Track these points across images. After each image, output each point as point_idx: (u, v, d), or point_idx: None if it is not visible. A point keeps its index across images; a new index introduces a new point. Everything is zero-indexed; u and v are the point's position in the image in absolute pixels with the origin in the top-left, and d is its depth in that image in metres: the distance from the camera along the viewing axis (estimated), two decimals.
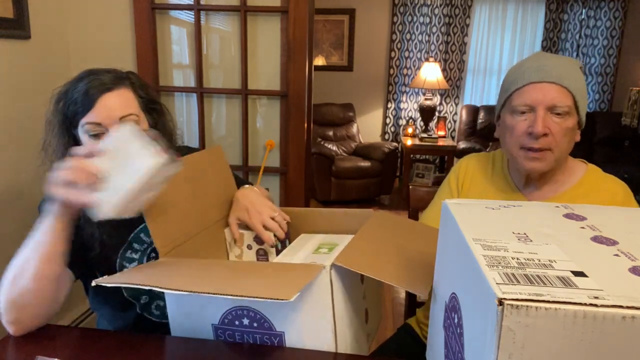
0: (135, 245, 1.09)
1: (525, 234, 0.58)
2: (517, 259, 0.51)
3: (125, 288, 1.08)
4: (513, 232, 0.58)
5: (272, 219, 1.08)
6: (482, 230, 0.58)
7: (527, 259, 0.51)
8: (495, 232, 0.58)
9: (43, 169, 1.07)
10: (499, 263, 0.49)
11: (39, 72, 1.92)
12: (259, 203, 1.11)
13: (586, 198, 1.08)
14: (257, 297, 0.69)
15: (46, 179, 0.85)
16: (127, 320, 1.12)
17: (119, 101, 1.02)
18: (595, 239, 0.57)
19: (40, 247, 0.88)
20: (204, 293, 0.71)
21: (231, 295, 0.70)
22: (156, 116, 1.13)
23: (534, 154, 1.03)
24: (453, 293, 0.60)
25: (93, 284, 0.79)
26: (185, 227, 1.00)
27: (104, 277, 0.80)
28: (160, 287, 0.73)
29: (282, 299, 0.67)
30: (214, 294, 0.70)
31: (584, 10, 4.85)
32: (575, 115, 1.03)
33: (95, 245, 1.03)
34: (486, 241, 0.55)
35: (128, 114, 1.03)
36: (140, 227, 1.10)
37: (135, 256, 1.09)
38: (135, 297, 1.09)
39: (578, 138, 1.08)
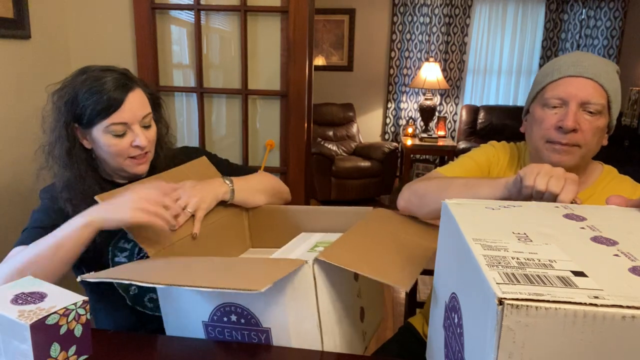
0: (129, 235, 1.10)
1: (525, 234, 0.58)
2: (517, 258, 0.51)
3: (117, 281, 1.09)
4: (513, 232, 0.58)
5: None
6: (482, 230, 0.58)
7: (527, 259, 0.51)
8: (495, 232, 0.58)
9: (40, 168, 1.07)
10: (499, 263, 0.49)
11: (39, 72, 1.92)
12: (197, 188, 1.06)
13: (601, 199, 1.07)
14: (225, 288, 0.68)
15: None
16: (122, 314, 1.12)
17: (139, 100, 1.03)
18: (595, 239, 0.57)
19: (61, 249, 0.89)
20: (182, 286, 0.71)
21: (200, 286, 0.69)
22: (159, 111, 1.15)
23: (560, 146, 1.00)
24: (453, 293, 0.60)
25: (78, 279, 0.80)
26: (172, 235, 1.01)
27: (91, 273, 0.81)
28: (137, 281, 0.75)
29: (252, 290, 0.66)
30: (192, 286, 0.70)
31: (584, 10, 4.85)
32: (607, 116, 1.01)
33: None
34: (486, 241, 0.55)
35: (147, 113, 1.04)
36: None
37: (127, 246, 1.09)
38: (125, 289, 1.10)
39: (605, 142, 1.06)
